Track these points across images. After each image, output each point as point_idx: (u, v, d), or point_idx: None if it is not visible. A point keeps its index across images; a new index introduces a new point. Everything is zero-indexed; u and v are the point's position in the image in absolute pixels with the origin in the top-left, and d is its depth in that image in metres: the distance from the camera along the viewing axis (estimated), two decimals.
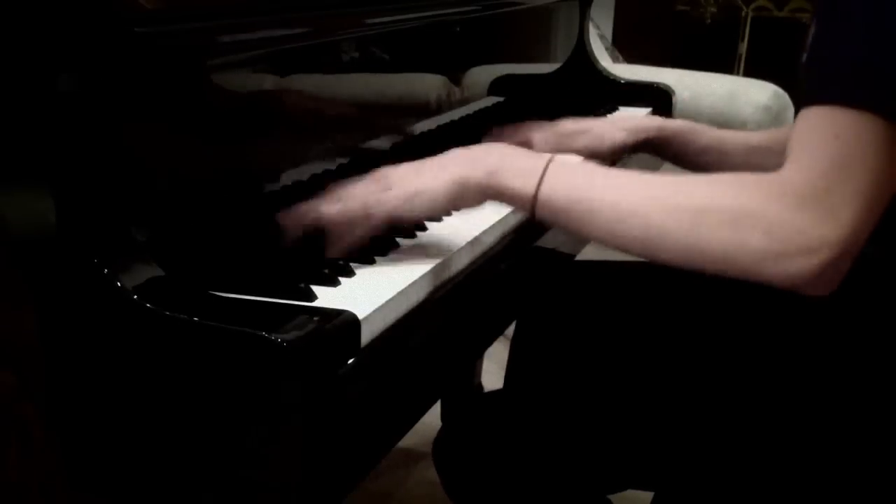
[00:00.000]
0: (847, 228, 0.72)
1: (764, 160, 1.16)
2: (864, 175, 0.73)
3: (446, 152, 0.89)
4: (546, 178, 0.83)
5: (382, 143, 1.12)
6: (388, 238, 0.90)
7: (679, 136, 1.20)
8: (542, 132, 1.21)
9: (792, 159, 0.76)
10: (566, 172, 0.84)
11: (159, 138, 0.78)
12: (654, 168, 1.58)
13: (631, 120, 1.22)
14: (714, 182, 0.79)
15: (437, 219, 0.98)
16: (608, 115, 1.33)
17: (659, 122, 1.23)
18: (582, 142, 1.20)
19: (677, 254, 0.78)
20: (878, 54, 0.74)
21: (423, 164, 0.88)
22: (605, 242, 0.82)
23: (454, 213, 1.01)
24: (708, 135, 1.19)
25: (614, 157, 1.25)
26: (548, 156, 0.85)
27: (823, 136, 0.74)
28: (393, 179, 0.86)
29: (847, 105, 0.74)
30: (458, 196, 0.86)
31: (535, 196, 0.83)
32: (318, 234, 0.87)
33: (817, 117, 0.75)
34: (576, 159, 0.86)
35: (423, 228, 0.95)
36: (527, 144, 1.18)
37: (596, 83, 1.69)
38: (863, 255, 0.76)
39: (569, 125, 1.21)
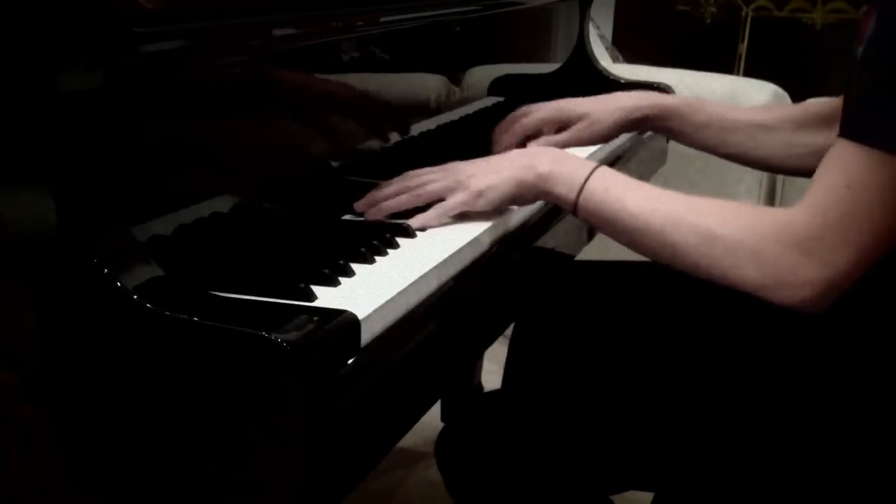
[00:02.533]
0: (837, 271, 0.80)
1: (767, 138, 1.16)
2: (867, 227, 0.79)
3: (507, 153, 1.02)
4: (585, 189, 0.93)
5: (383, 142, 1.12)
6: (388, 238, 0.90)
7: (676, 114, 1.20)
8: (542, 116, 1.22)
9: (807, 196, 0.82)
10: (603, 185, 0.93)
11: (159, 138, 0.78)
12: (653, 170, 1.59)
13: (628, 97, 1.22)
14: (727, 209, 0.87)
15: None
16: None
17: (656, 98, 1.23)
18: (580, 125, 1.21)
19: (686, 269, 0.88)
20: None
21: (488, 163, 0.99)
22: (629, 247, 0.93)
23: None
24: (708, 110, 1.20)
25: (612, 137, 1.25)
26: (591, 165, 0.94)
27: (837, 182, 0.80)
28: (464, 175, 0.96)
29: (863, 143, 0.78)
30: (517, 196, 0.97)
31: (576, 204, 0.93)
32: (320, 235, 0.87)
33: (841, 155, 0.81)
34: (615, 172, 0.95)
35: (423, 229, 0.95)
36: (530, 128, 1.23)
37: (596, 83, 1.69)
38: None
39: (565, 104, 1.22)
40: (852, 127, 0.80)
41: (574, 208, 0.94)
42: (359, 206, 0.97)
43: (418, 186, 0.96)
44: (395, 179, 0.99)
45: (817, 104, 1.18)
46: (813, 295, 0.81)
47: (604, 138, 1.23)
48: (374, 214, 0.96)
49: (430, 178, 0.97)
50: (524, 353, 1.15)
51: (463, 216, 1.00)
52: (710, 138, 1.20)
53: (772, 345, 0.96)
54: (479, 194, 0.95)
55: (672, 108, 1.21)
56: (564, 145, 1.21)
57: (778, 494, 0.91)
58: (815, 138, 1.12)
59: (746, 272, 0.83)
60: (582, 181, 0.93)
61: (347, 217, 0.98)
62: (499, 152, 1.24)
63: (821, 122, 1.12)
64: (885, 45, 0.78)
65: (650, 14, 3.82)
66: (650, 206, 0.89)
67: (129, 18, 0.73)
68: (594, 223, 0.95)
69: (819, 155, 0.84)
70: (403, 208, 0.96)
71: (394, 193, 0.97)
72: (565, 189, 0.94)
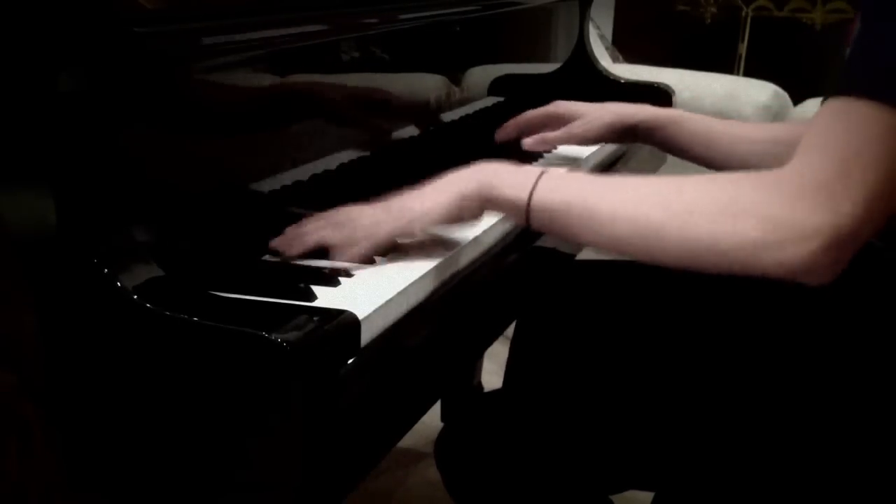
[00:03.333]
0: (846, 218, 0.72)
1: (755, 151, 1.16)
2: (872, 167, 0.72)
3: (444, 175, 0.91)
4: (539, 186, 0.86)
5: (382, 143, 1.12)
6: None
7: (670, 125, 1.21)
8: (539, 114, 1.25)
9: (800, 151, 0.76)
10: (558, 180, 0.86)
11: (159, 138, 0.78)
12: (653, 169, 1.59)
13: (625, 105, 1.24)
14: (708, 179, 0.79)
15: None
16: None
17: (651, 109, 1.23)
18: (574, 123, 1.23)
19: (672, 252, 0.78)
20: None
21: (423, 190, 0.91)
22: (599, 245, 0.84)
23: None
24: (699, 125, 1.20)
25: (604, 138, 1.25)
26: (540, 168, 0.88)
27: (836, 129, 0.74)
28: (395, 206, 0.89)
29: (862, 97, 0.74)
30: (457, 212, 0.89)
31: (529, 203, 0.86)
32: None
33: (835, 109, 0.76)
34: (566, 171, 0.90)
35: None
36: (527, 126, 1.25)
37: (596, 83, 1.69)
38: (865, 251, 0.76)
39: (562, 105, 1.24)
40: (846, 84, 0.76)
41: (526, 212, 0.86)
42: (273, 245, 0.87)
43: (347, 221, 0.88)
44: (315, 218, 0.90)
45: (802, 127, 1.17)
46: (822, 246, 0.72)
47: (595, 139, 1.25)
48: (293, 250, 0.86)
49: (359, 212, 0.89)
50: (525, 352, 1.15)
51: None
52: (701, 151, 1.20)
53: (772, 345, 0.96)
54: (417, 217, 0.88)
55: (665, 119, 1.21)
56: (556, 142, 1.24)
57: (778, 494, 0.91)
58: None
59: (744, 230, 0.74)
60: (534, 178, 0.86)
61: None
62: (503, 133, 1.28)
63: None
64: (870, 34, 0.78)
65: (650, 14, 3.82)
66: (621, 189, 0.82)
67: (129, 18, 0.73)
68: (553, 226, 0.86)
69: None
70: (326, 244, 0.87)
71: (314, 229, 0.88)
72: (514, 190, 0.87)
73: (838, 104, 0.76)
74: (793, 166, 0.75)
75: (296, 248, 0.86)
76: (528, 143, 1.24)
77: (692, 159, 1.23)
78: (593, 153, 1.32)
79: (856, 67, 0.77)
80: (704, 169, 1.23)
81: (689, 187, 0.79)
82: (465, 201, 0.89)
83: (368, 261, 0.85)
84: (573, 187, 0.85)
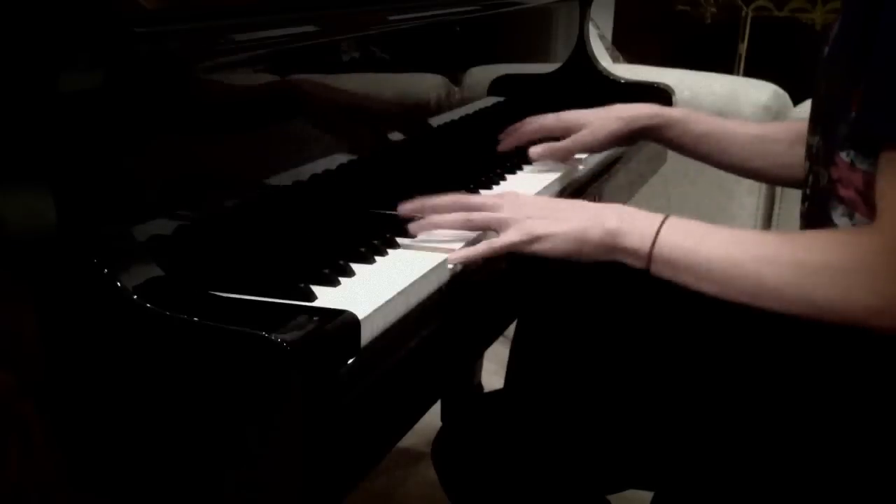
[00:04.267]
0: None
1: (762, 150, 1.17)
2: None
3: (572, 201, 0.97)
4: (660, 238, 0.89)
5: (382, 142, 1.12)
6: (388, 238, 0.90)
7: (676, 125, 1.22)
8: (544, 123, 1.26)
9: (883, 210, 0.80)
10: (679, 232, 0.89)
11: (159, 138, 0.78)
12: (653, 170, 1.59)
13: (627, 109, 1.25)
14: (820, 238, 0.85)
15: None
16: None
17: (656, 109, 1.25)
18: (579, 133, 1.23)
19: (790, 308, 0.84)
20: None
21: (553, 207, 0.94)
22: (718, 296, 0.88)
23: None
24: (705, 124, 1.21)
25: (611, 145, 1.27)
26: (661, 216, 0.90)
27: None
28: (526, 212, 0.92)
29: None
30: (576, 250, 0.92)
31: (650, 255, 0.89)
32: (320, 235, 0.87)
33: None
34: (686, 220, 0.92)
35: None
36: (531, 134, 1.25)
37: (596, 83, 1.69)
38: None
39: (569, 116, 1.25)
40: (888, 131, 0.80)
41: (648, 260, 0.90)
42: (404, 208, 0.94)
43: (472, 209, 0.93)
44: (450, 195, 0.95)
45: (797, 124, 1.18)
46: None
47: (602, 147, 1.27)
48: (417, 227, 0.93)
49: (488, 205, 0.94)
50: (527, 353, 1.15)
51: None
52: (707, 149, 1.21)
53: (772, 345, 0.96)
54: (536, 239, 0.91)
55: (671, 119, 1.22)
56: (564, 151, 1.25)
57: (777, 494, 0.91)
58: (795, 153, 1.12)
59: (860, 298, 0.80)
60: (655, 230, 0.89)
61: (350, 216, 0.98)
62: (510, 138, 1.28)
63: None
64: (853, 38, 0.79)
65: (650, 14, 3.82)
66: (737, 247, 0.86)
67: (129, 18, 0.73)
68: (671, 273, 0.90)
69: None
70: (452, 228, 0.93)
71: (447, 208, 0.94)
72: (636, 240, 0.89)
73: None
74: (887, 228, 0.80)
75: (421, 228, 0.92)
76: (535, 153, 1.23)
77: (700, 158, 1.24)
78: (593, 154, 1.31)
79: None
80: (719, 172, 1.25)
81: (804, 249, 0.83)
82: (586, 245, 0.91)
83: (368, 260, 0.85)
84: (689, 241, 0.88)
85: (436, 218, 0.93)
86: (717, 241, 0.87)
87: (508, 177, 1.21)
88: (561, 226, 0.91)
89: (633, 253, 0.90)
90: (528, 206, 0.94)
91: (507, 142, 1.28)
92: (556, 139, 1.25)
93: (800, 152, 1.07)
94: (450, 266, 0.88)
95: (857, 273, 0.80)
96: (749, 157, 1.19)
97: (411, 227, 0.93)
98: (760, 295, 0.85)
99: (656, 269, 0.90)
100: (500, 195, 0.96)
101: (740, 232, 0.88)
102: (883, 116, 0.81)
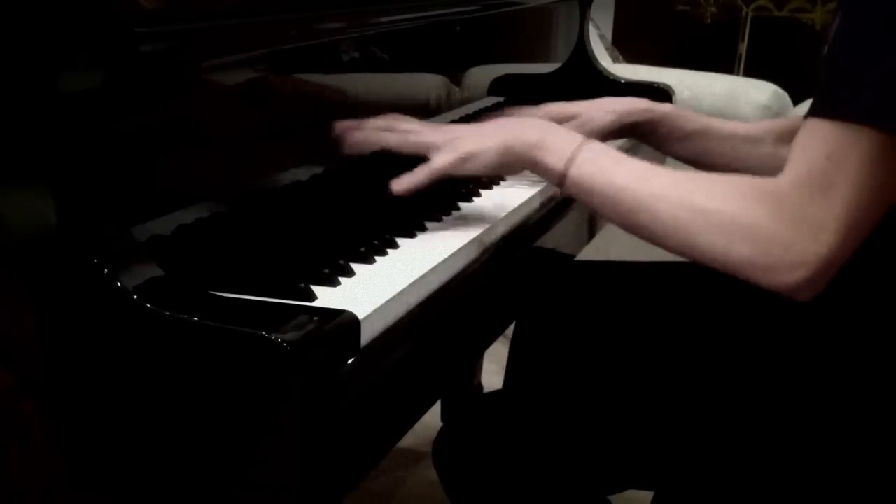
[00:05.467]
0: (830, 247, 0.77)
1: (751, 150, 1.17)
2: (850, 195, 0.77)
3: (497, 118, 1.01)
4: (575, 160, 0.91)
5: None
6: (387, 238, 0.90)
7: (665, 121, 1.21)
8: (540, 114, 1.22)
9: (788, 168, 0.80)
10: (594, 156, 0.91)
11: (159, 138, 0.78)
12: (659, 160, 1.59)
13: (619, 102, 1.23)
14: (717, 183, 0.84)
15: (437, 219, 0.98)
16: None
17: (647, 104, 1.23)
18: (572, 124, 1.19)
19: (676, 248, 0.85)
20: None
21: (477, 128, 0.99)
22: (618, 225, 0.90)
23: (454, 213, 1.01)
24: (694, 121, 1.20)
25: (601, 139, 1.24)
26: (581, 138, 0.93)
27: (815, 153, 0.79)
28: (450, 136, 0.96)
29: (838, 118, 0.77)
30: (504, 163, 0.96)
31: (564, 174, 0.91)
32: (320, 235, 0.87)
33: (813, 129, 0.79)
34: (605, 145, 0.95)
35: (423, 229, 0.95)
36: None
37: (596, 83, 1.69)
38: (864, 253, 0.77)
39: (554, 108, 1.22)
40: (826, 105, 0.79)
41: (562, 179, 0.92)
42: (340, 125, 0.98)
43: (406, 131, 0.97)
44: (383, 116, 1.00)
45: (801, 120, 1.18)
46: (807, 276, 0.78)
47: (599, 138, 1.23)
48: (355, 139, 0.97)
49: (419, 129, 0.98)
50: (526, 353, 1.15)
51: (462, 217, 1.00)
52: (695, 148, 1.20)
53: (772, 345, 0.96)
54: (466, 158, 0.95)
55: (662, 115, 1.21)
56: None
57: (777, 494, 0.91)
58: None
59: (741, 249, 0.80)
60: (572, 151, 0.91)
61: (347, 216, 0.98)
62: None
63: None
64: (849, 35, 0.79)
65: (650, 14, 3.82)
66: (641, 180, 0.87)
67: (129, 18, 0.73)
68: (580, 195, 0.92)
69: None
70: (386, 146, 0.97)
71: (382, 126, 0.98)
72: (554, 158, 0.92)
73: (822, 126, 0.79)
74: (785, 186, 0.79)
75: (355, 145, 0.97)
76: None
77: (687, 158, 1.22)
78: None
79: (836, 89, 0.79)
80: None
81: (700, 191, 0.84)
82: (511, 157, 0.95)
83: (368, 260, 0.85)
84: (602, 166, 0.90)
85: (375, 135, 0.98)
86: (628, 170, 0.89)
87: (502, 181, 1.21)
88: (487, 141, 0.95)
89: (549, 169, 0.93)
90: (454, 128, 0.99)
91: None
92: None
93: (784, 152, 1.08)
94: (394, 191, 0.94)
95: (742, 225, 0.80)
96: (736, 157, 1.19)
97: (349, 136, 0.98)
98: (653, 232, 0.86)
99: (568, 189, 0.93)
100: (428, 123, 1.00)
101: (653, 166, 0.89)
102: (827, 95, 0.81)
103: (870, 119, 0.76)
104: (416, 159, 0.97)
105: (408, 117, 1.01)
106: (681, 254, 0.86)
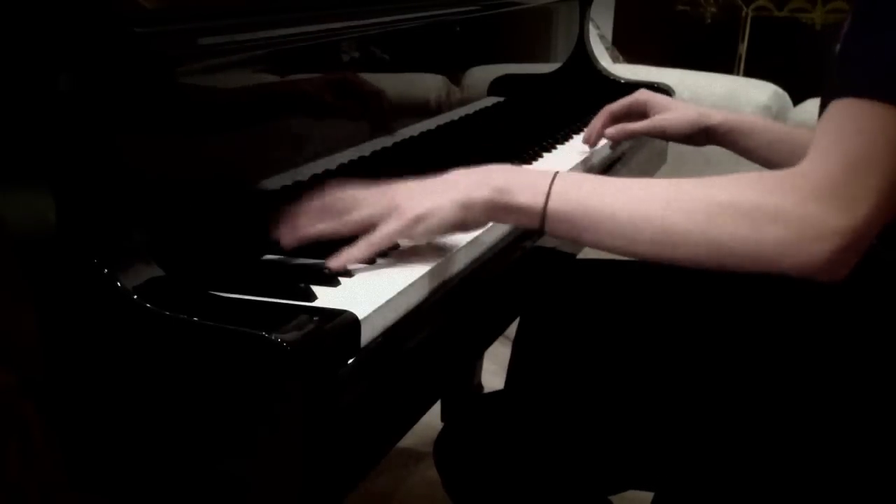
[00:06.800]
0: (860, 220, 0.75)
1: None
2: (882, 169, 0.75)
3: (448, 173, 0.87)
4: (554, 191, 0.84)
5: (383, 142, 1.12)
6: None
7: (749, 132, 1.23)
8: (628, 99, 1.30)
9: (814, 151, 0.78)
10: (573, 184, 0.84)
11: (159, 138, 0.78)
12: (653, 170, 1.59)
13: (706, 108, 1.28)
14: (730, 181, 0.81)
15: None
16: None
17: (731, 114, 1.26)
18: (659, 115, 1.27)
19: (696, 253, 0.80)
20: None
21: (430, 185, 0.86)
22: (617, 249, 0.83)
23: None
24: (775, 131, 1.22)
25: (682, 134, 1.27)
26: (552, 171, 0.86)
27: (847, 130, 0.77)
28: (400, 198, 0.85)
29: (873, 98, 0.76)
30: (463, 219, 0.85)
31: (545, 209, 0.83)
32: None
33: (843, 110, 0.78)
34: (579, 173, 0.88)
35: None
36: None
37: (596, 83, 1.69)
38: (869, 256, 0.77)
39: (644, 94, 1.29)
40: (853, 83, 0.78)
41: (542, 219, 0.84)
42: (276, 233, 0.86)
43: (344, 210, 0.85)
44: (317, 198, 0.87)
45: None
46: (840, 247, 0.75)
47: (676, 134, 1.27)
48: (288, 240, 0.85)
49: (360, 200, 0.85)
50: (527, 353, 1.15)
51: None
52: (776, 158, 1.20)
53: (772, 345, 0.96)
54: (417, 220, 0.83)
55: (748, 125, 1.23)
56: (641, 132, 1.28)
57: (778, 493, 0.91)
58: None
59: (768, 234, 0.76)
60: (548, 183, 0.84)
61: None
62: (589, 135, 1.32)
63: None
64: (876, 11, 0.79)
65: (650, 14, 3.82)
66: (641, 195, 0.82)
67: (129, 18, 0.73)
68: (568, 230, 0.84)
69: None
70: (324, 237, 0.84)
71: (315, 214, 0.86)
72: (528, 197, 0.84)
73: (846, 105, 0.77)
74: (807, 168, 0.77)
75: (290, 240, 0.84)
76: (610, 132, 1.27)
77: (770, 166, 1.22)
78: (595, 150, 1.32)
79: (860, 67, 0.78)
80: (713, 160, 1.25)
81: (712, 190, 0.80)
82: (472, 210, 0.85)
83: (368, 261, 0.85)
84: (587, 191, 0.84)
85: (304, 231, 0.85)
86: (617, 188, 0.83)
87: None
88: (441, 198, 0.84)
89: (525, 211, 0.84)
90: (402, 188, 0.86)
91: (594, 122, 1.31)
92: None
93: None
94: (326, 271, 0.80)
95: (767, 208, 0.77)
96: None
97: (282, 239, 0.85)
98: (665, 243, 0.80)
99: (552, 227, 0.84)
100: (375, 186, 0.86)
101: (640, 179, 0.85)
102: (845, 75, 0.80)
103: None
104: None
105: (345, 189, 0.87)
106: (705, 261, 0.80)
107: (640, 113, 1.29)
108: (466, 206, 0.84)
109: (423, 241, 0.88)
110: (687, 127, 1.25)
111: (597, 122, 1.31)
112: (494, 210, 0.85)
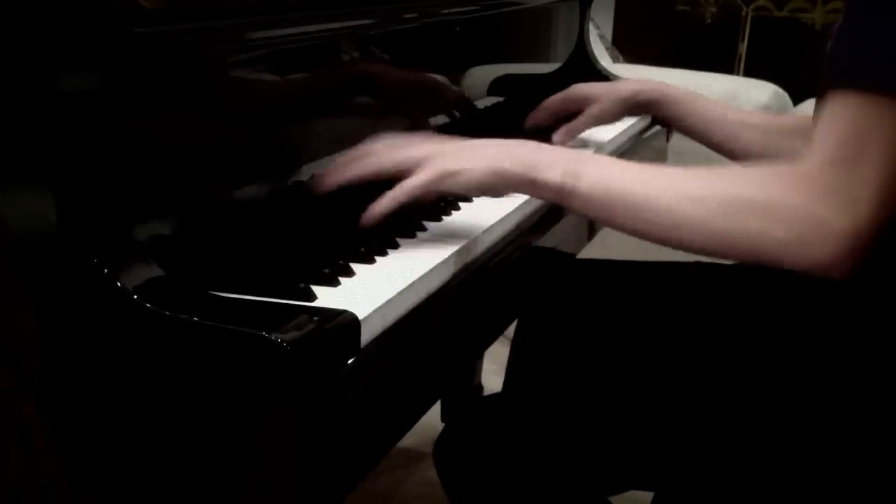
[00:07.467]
0: (863, 219, 0.76)
1: (758, 139, 1.21)
2: (884, 165, 0.76)
3: (486, 140, 0.93)
4: (581, 173, 0.87)
5: None
6: (388, 238, 0.90)
7: (679, 101, 1.28)
8: (555, 100, 1.32)
9: (814, 147, 0.79)
10: (599, 166, 0.89)
11: (159, 138, 0.78)
12: (661, 153, 1.59)
13: (636, 81, 1.33)
14: (741, 174, 0.83)
15: (437, 218, 0.98)
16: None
17: (663, 87, 1.31)
18: (592, 107, 1.29)
19: (706, 244, 0.83)
20: None
21: (466, 146, 0.91)
22: (635, 233, 0.87)
23: (454, 213, 1.01)
24: (706, 104, 1.27)
25: (620, 116, 1.33)
26: (578, 150, 0.92)
27: (843, 127, 0.77)
28: (434, 152, 0.89)
29: (866, 90, 0.76)
30: (490, 185, 0.90)
31: (571, 189, 0.87)
32: (320, 235, 0.87)
33: (838, 105, 0.79)
34: (606, 156, 0.95)
35: (423, 229, 0.94)
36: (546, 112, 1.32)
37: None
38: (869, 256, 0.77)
39: (577, 90, 1.31)
40: (849, 77, 0.78)
41: (567, 195, 0.88)
42: (319, 174, 0.92)
43: (386, 149, 0.91)
44: (361, 145, 0.93)
45: (803, 118, 1.19)
46: (846, 248, 0.76)
47: (614, 118, 1.32)
48: (329, 183, 0.91)
49: (396, 148, 0.91)
50: (526, 353, 1.15)
51: (463, 216, 1.00)
52: (704, 131, 1.26)
53: (773, 345, 0.96)
54: (447, 174, 0.88)
55: (679, 95, 1.29)
56: (582, 128, 1.30)
57: (778, 494, 0.91)
58: (793, 144, 1.14)
59: (775, 231, 0.78)
60: (575, 164, 0.88)
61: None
62: (534, 123, 1.34)
63: (803, 134, 1.13)
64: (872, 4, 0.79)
65: (650, 14, 3.83)
66: (661, 183, 0.84)
67: (129, 18, 0.73)
68: (591, 211, 0.88)
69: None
70: (363, 180, 0.90)
71: (361, 154, 0.92)
72: (556, 174, 0.88)
73: (848, 100, 0.78)
74: (813, 162, 0.79)
75: (330, 183, 0.90)
76: (557, 138, 1.28)
77: (698, 138, 1.28)
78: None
79: (853, 58, 0.78)
80: (713, 159, 1.27)
81: (725, 182, 0.82)
82: (501, 179, 0.89)
83: (368, 260, 0.85)
84: (617, 175, 0.87)
85: (342, 175, 0.91)
86: (640, 176, 0.86)
87: None
88: (474, 160, 0.89)
89: (551, 188, 0.88)
90: (435, 145, 0.91)
91: (534, 120, 1.33)
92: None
93: (784, 143, 1.10)
94: (365, 223, 0.86)
95: (775, 207, 0.79)
96: (749, 147, 1.23)
97: (326, 177, 0.91)
98: (679, 232, 0.83)
99: (576, 204, 0.88)
100: (412, 135, 0.94)
101: (663, 167, 0.88)
102: (838, 66, 0.80)
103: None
104: None
105: (384, 138, 0.94)
106: (711, 250, 0.83)
107: (577, 106, 1.31)
108: (497, 174, 0.89)
109: (450, 191, 0.91)
110: (621, 107, 1.30)
111: (539, 115, 1.33)
112: (521, 184, 0.90)
